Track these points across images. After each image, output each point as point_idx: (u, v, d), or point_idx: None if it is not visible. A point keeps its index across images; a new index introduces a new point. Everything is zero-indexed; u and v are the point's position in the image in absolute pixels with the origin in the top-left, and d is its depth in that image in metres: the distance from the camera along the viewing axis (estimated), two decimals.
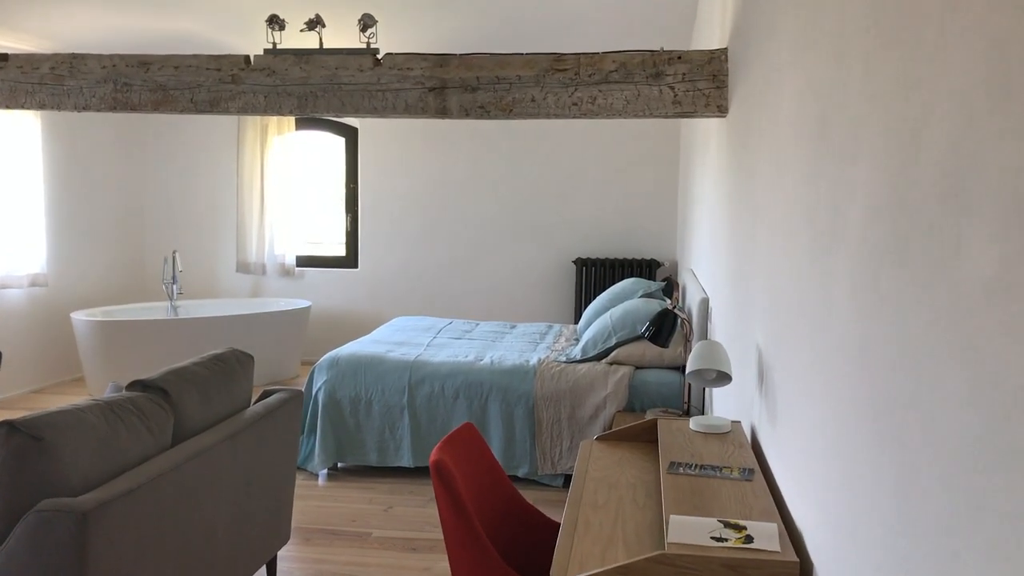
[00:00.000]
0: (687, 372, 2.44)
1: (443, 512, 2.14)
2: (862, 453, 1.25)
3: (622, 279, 7.02)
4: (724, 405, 3.17)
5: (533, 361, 4.60)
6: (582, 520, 1.97)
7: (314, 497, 4.21)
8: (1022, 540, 0.73)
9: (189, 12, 5.26)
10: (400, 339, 5.24)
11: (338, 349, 4.82)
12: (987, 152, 0.83)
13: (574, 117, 3.49)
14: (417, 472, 4.55)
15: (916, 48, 1.05)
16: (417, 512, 4.02)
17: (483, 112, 3.53)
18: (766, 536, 1.67)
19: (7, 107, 3.84)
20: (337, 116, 3.68)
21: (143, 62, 3.70)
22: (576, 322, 7.13)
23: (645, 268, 7.07)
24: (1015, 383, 0.75)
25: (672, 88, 3.42)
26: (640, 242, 7.27)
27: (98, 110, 3.75)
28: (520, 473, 4.38)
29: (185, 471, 2.43)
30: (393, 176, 7.57)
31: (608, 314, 4.75)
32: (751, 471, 2.08)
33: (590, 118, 3.50)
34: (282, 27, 3.75)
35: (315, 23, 3.75)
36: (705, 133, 4.62)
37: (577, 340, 5.35)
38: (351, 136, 7.68)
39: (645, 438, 2.64)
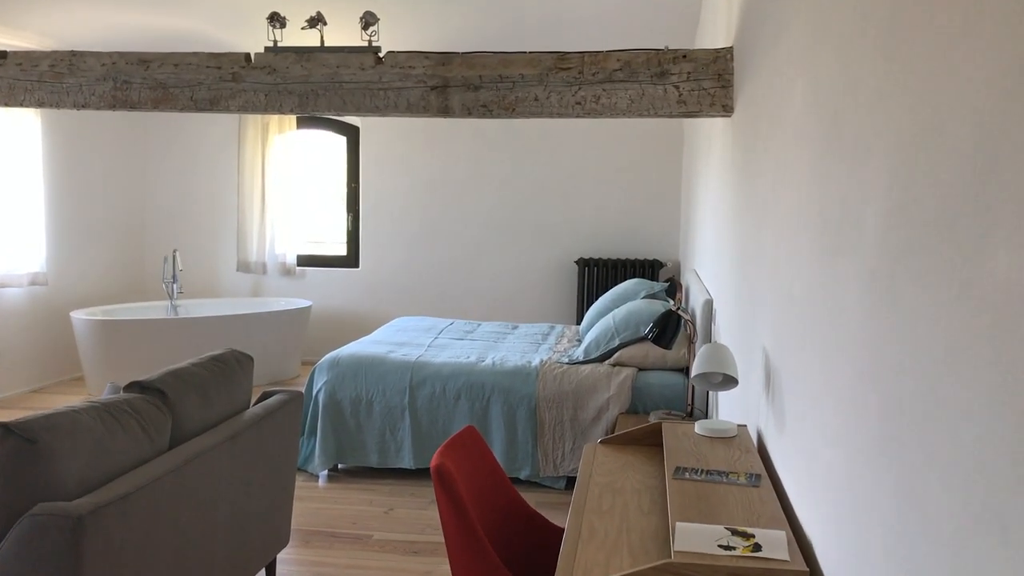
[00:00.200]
0: (692, 375, 2.41)
1: (444, 517, 2.11)
2: (873, 462, 1.22)
3: (624, 279, 6.99)
4: (729, 408, 3.14)
5: (535, 362, 4.57)
6: (586, 526, 1.93)
7: (314, 499, 4.17)
8: None
9: (189, 10, 5.23)
10: (401, 340, 5.21)
11: (339, 349, 4.78)
12: (1013, 151, 0.79)
13: (578, 116, 3.46)
14: (418, 474, 4.51)
15: (939, 43, 1.01)
16: (418, 514, 3.98)
17: (486, 111, 3.50)
18: (774, 544, 1.64)
19: (6, 105, 3.80)
20: (338, 115, 3.65)
21: (143, 60, 3.66)
22: (578, 323, 7.09)
23: (647, 268, 7.03)
24: None
25: (677, 87, 3.39)
26: (642, 242, 7.24)
27: (97, 108, 3.72)
28: (522, 475, 4.35)
29: (183, 474, 2.40)
30: (395, 175, 7.54)
31: (611, 315, 4.71)
32: (758, 477, 2.04)
33: (594, 117, 3.46)
34: (283, 25, 3.72)
35: (316, 21, 3.71)
36: (709, 133, 4.58)
37: (579, 341, 5.31)
38: (352, 135, 7.65)
39: (649, 442, 2.60)
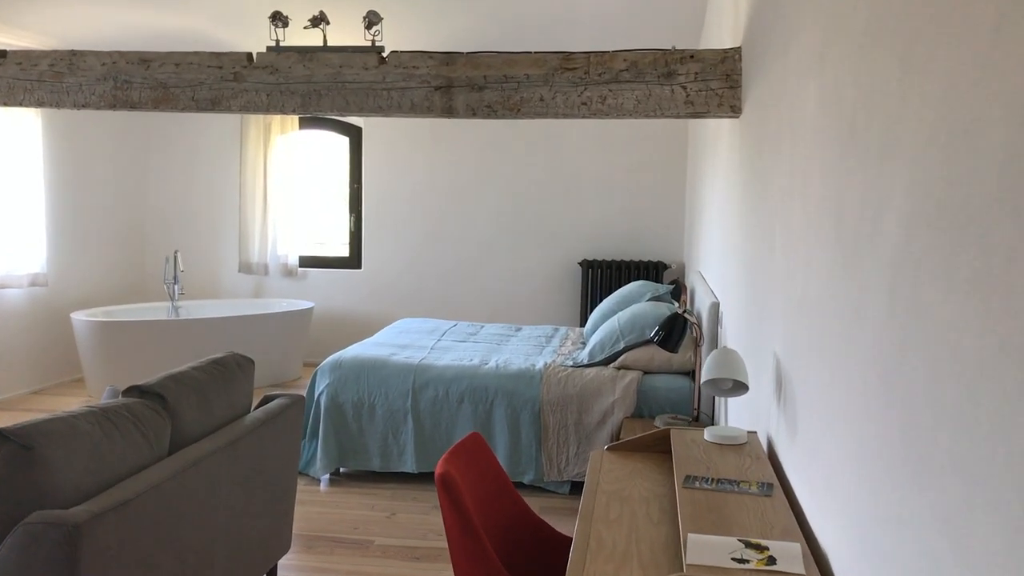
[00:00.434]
0: (702, 381, 2.36)
1: (449, 525, 2.06)
2: (895, 474, 1.17)
3: (628, 281, 6.94)
4: (737, 413, 3.09)
5: (539, 365, 4.52)
6: (594, 536, 1.89)
7: (316, 503, 4.13)
8: None
9: (191, 8, 5.19)
10: (404, 342, 5.16)
11: (341, 352, 4.74)
12: None
13: (583, 117, 3.41)
14: (420, 478, 4.47)
15: (968, 39, 0.97)
16: (420, 519, 3.94)
17: (490, 112, 3.45)
18: (789, 557, 1.59)
19: (5, 104, 3.77)
20: (341, 115, 3.61)
21: (143, 59, 3.62)
22: (582, 324, 7.05)
23: (652, 270, 6.98)
24: None
25: (684, 88, 3.34)
26: (646, 244, 7.19)
27: (97, 108, 3.68)
28: (526, 480, 4.30)
29: (183, 480, 2.35)
30: (397, 176, 7.50)
31: (616, 317, 4.67)
32: (770, 486, 1.99)
33: (600, 118, 3.42)
34: (285, 24, 3.68)
35: (319, 20, 3.67)
36: (715, 134, 4.54)
37: (584, 343, 5.27)
38: (355, 135, 7.61)
39: (657, 448, 2.56)
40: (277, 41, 3.61)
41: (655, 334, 3.86)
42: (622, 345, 4.45)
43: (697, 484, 2.01)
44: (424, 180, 7.45)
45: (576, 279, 7.28)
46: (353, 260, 7.68)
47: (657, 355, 4.37)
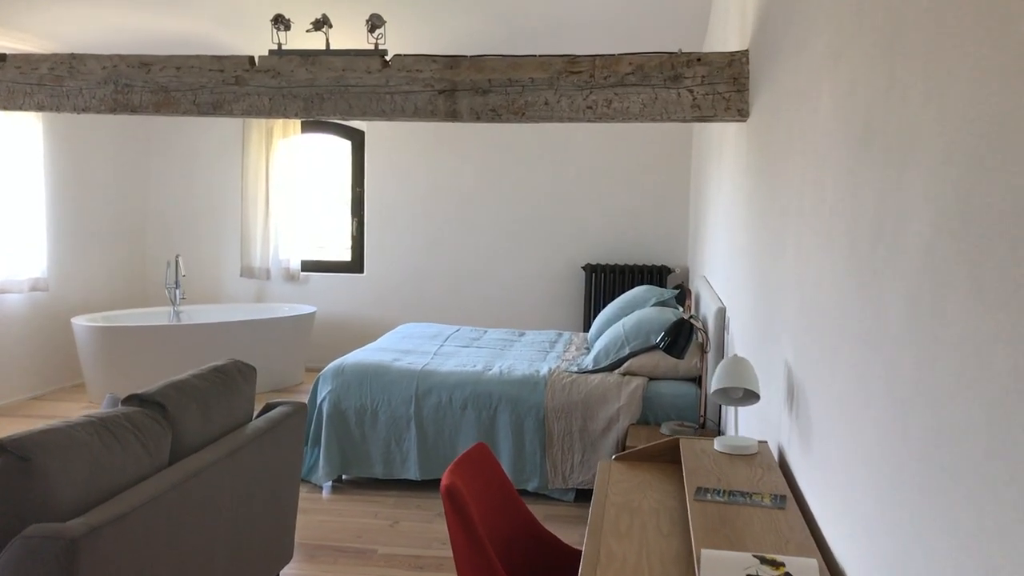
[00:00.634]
0: (712, 390, 2.32)
1: (454, 538, 2.02)
2: (917, 491, 1.13)
3: (632, 285, 6.90)
4: (746, 422, 3.05)
5: (543, 371, 4.48)
6: (604, 550, 1.84)
7: (318, 511, 4.08)
8: None
9: (192, 11, 5.16)
10: (407, 347, 5.12)
11: (343, 358, 4.70)
12: None
13: (589, 121, 3.37)
14: (424, 485, 4.42)
15: (998, 35, 0.93)
16: (424, 528, 3.89)
17: (494, 115, 3.41)
18: (806, 574, 1.55)
19: (5, 108, 3.73)
20: (344, 119, 3.57)
21: (144, 63, 3.59)
22: (585, 329, 7.00)
23: (655, 274, 6.94)
24: None
25: (691, 91, 3.30)
26: (650, 248, 7.15)
27: (98, 112, 3.64)
28: (530, 487, 4.26)
29: (183, 491, 2.31)
30: (400, 180, 7.46)
31: (621, 323, 4.62)
32: (783, 498, 1.95)
33: (605, 122, 3.38)
34: (288, 27, 3.64)
35: (322, 23, 3.64)
36: (720, 138, 4.50)
37: (588, 349, 5.22)
38: (358, 139, 7.58)
39: (666, 458, 2.51)
40: (279, 44, 3.58)
41: (661, 340, 3.82)
42: (627, 351, 4.41)
43: (708, 496, 1.96)
44: (427, 184, 7.41)
45: (579, 283, 7.24)
46: (355, 264, 7.65)
47: (663, 361, 4.33)
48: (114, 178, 7.32)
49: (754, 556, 1.62)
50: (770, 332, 2.54)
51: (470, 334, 5.75)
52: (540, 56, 3.37)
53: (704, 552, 1.64)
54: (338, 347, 7.56)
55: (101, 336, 6.01)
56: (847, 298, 1.59)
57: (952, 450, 1.03)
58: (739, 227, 3.44)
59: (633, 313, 4.74)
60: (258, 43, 5.81)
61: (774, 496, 1.97)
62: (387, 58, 3.48)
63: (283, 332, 6.67)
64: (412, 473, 4.35)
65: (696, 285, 5.52)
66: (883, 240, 1.36)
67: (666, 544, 1.89)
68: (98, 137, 7.09)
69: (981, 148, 0.97)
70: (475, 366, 4.60)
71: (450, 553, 3.60)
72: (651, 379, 4.36)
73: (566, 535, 3.74)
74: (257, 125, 7.46)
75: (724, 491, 2.00)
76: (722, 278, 4.12)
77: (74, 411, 5.94)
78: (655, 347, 4.30)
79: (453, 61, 3.40)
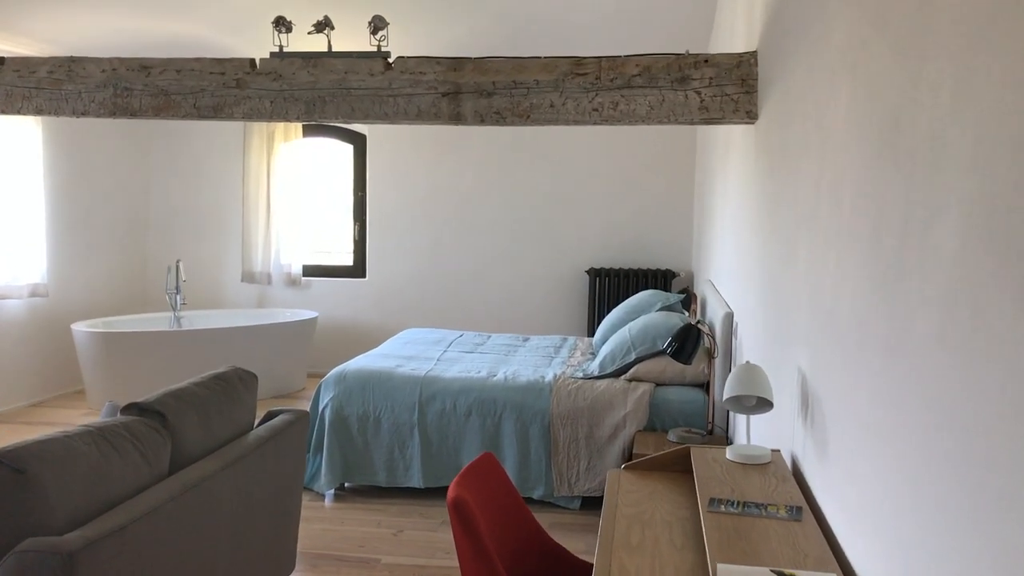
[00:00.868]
0: (724, 398, 2.26)
1: (461, 550, 1.97)
2: (945, 505, 1.08)
3: (636, 290, 6.85)
4: (757, 430, 2.99)
5: (549, 377, 4.42)
6: (616, 565, 1.79)
7: (320, 520, 4.03)
8: None
9: (192, 14, 5.12)
10: (410, 353, 5.07)
11: (345, 364, 4.64)
12: None
13: (595, 124, 3.33)
14: (427, 493, 4.37)
15: None
16: (428, 536, 3.84)
17: (499, 118, 3.37)
18: None
19: (3, 112, 3.68)
20: (346, 122, 3.52)
21: (144, 66, 3.54)
22: (589, 334, 6.95)
23: (660, 278, 6.89)
24: None
25: (698, 93, 3.25)
26: (654, 252, 7.09)
27: (97, 116, 3.59)
28: (535, 495, 4.20)
29: (183, 502, 2.26)
30: (402, 184, 7.41)
31: (626, 328, 4.57)
32: (799, 509, 1.89)
33: (612, 124, 3.33)
34: (289, 29, 3.60)
35: (323, 25, 3.59)
36: (726, 140, 4.45)
37: (593, 354, 5.17)
38: (359, 143, 7.53)
39: (676, 466, 2.46)
40: (280, 47, 3.53)
41: (668, 345, 3.77)
42: (633, 356, 4.35)
43: (722, 508, 1.91)
44: (429, 188, 7.37)
45: (583, 288, 7.18)
46: (357, 269, 7.60)
47: (669, 367, 4.27)
48: (114, 182, 7.28)
49: (772, 571, 1.57)
50: (781, 338, 2.49)
51: (474, 339, 5.70)
52: (545, 58, 3.32)
53: (720, 567, 1.59)
54: (340, 352, 7.50)
55: (101, 342, 5.96)
56: (869, 306, 1.53)
57: (985, 464, 0.98)
58: (747, 230, 3.39)
59: (639, 318, 4.69)
60: (259, 46, 5.77)
61: (789, 507, 1.91)
62: (390, 60, 3.43)
63: (285, 338, 6.62)
64: (416, 481, 4.30)
65: (701, 289, 5.47)
66: (910, 244, 1.30)
67: (680, 558, 1.84)
68: (98, 141, 7.05)
69: (1019, 144, 0.92)
70: (479, 372, 4.55)
71: (455, 563, 3.54)
72: (658, 385, 4.31)
73: (572, 544, 3.69)
74: (258, 129, 7.41)
75: (738, 502, 1.94)
76: (729, 282, 4.07)
77: (74, 418, 5.89)
78: (662, 352, 4.25)
79: (457, 63, 3.36)
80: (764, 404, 2.27)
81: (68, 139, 6.67)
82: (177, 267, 6.76)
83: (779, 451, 2.34)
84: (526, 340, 5.75)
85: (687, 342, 3.73)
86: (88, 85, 3.58)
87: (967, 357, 1.06)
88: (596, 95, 3.30)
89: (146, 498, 2.16)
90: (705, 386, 4.33)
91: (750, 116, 3.23)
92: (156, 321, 6.86)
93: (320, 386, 4.50)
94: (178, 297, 6.81)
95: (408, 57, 3.39)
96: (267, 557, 2.83)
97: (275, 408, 3.12)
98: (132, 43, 5.81)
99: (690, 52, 3.39)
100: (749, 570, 1.58)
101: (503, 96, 3.35)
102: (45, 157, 6.39)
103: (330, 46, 3.64)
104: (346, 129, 7.52)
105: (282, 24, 3.57)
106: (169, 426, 2.44)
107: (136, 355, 6.01)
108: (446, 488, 4.31)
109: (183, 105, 3.53)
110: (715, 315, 4.10)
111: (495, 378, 4.42)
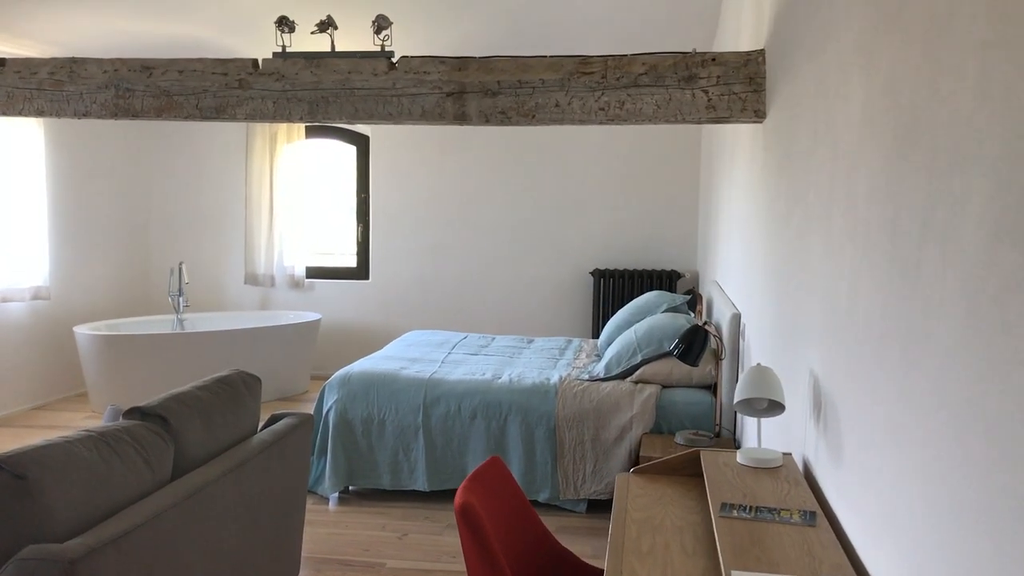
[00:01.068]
0: (736, 401, 2.23)
1: (468, 557, 1.93)
2: (968, 513, 1.04)
3: (641, 291, 6.81)
4: (766, 432, 2.95)
5: (554, 379, 4.39)
6: (627, 571, 1.75)
7: (325, 523, 4.00)
8: None
9: (194, 15, 5.09)
10: (414, 355, 5.03)
11: (349, 366, 4.61)
12: None
13: (601, 123, 3.29)
14: (432, 496, 4.33)
15: None
16: (433, 540, 3.80)
17: (504, 118, 3.33)
18: None
19: (4, 114, 3.66)
20: (350, 123, 3.49)
21: (146, 66, 3.52)
22: (594, 335, 6.91)
23: (665, 279, 6.85)
24: None
25: (706, 92, 3.22)
26: (659, 252, 7.06)
27: (99, 117, 3.57)
28: (541, 498, 4.16)
29: (186, 508, 2.23)
30: (405, 185, 7.38)
31: (632, 329, 4.53)
32: (813, 515, 1.86)
33: (618, 124, 3.30)
34: (292, 29, 3.57)
35: (327, 25, 3.56)
36: (732, 140, 4.41)
37: (598, 356, 5.13)
38: (362, 144, 7.50)
39: (685, 470, 2.42)
40: (283, 47, 3.50)
41: (675, 347, 3.73)
42: (639, 358, 4.32)
43: (734, 513, 1.87)
44: (433, 189, 7.34)
45: (588, 289, 7.15)
46: (361, 271, 7.57)
47: (676, 369, 4.23)
48: (116, 185, 7.25)
49: None
50: (792, 339, 2.45)
51: (478, 341, 5.66)
52: (550, 57, 3.29)
53: (735, 574, 1.55)
54: (344, 354, 7.47)
55: (104, 345, 5.93)
56: (888, 303, 1.50)
57: (1012, 470, 0.94)
58: (755, 230, 3.35)
59: (645, 319, 4.65)
60: (262, 46, 5.74)
61: (803, 512, 1.88)
62: (393, 60, 3.40)
63: (288, 340, 6.59)
64: (420, 484, 4.26)
65: (707, 290, 5.43)
66: (930, 244, 1.27)
67: (692, 565, 1.81)
68: (100, 143, 7.03)
69: None
70: (484, 374, 4.52)
71: (461, 566, 3.51)
72: (664, 387, 4.27)
73: (579, 548, 3.65)
74: (261, 130, 7.39)
75: (750, 507, 1.91)
76: (736, 283, 4.03)
77: (76, 421, 5.87)
78: (668, 354, 4.21)
79: (461, 62, 3.33)
80: (776, 407, 2.23)
81: (70, 141, 6.65)
82: (180, 269, 6.74)
83: (791, 454, 2.31)
84: (531, 342, 5.71)
85: (694, 343, 3.70)
86: (90, 86, 3.55)
87: (990, 358, 1.03)
88: (602, 94, 3.26)
89: (149, 504, 2.13)
90: (712, 388, 4.29)
91: (758, 115, 3.19)
92: (159, 324, 6.84)
93: (324, 389, 4.47)
94: (181, 299, 6.78)
95: (412, 57, 3.36)
96: (271, 561, 2.79)
97: (279, 412, 3.09)
98: (134, 44, 5.79)
99: (697, 51, 3.35)
100: None
101: (508, 96, 3.32)
102: (47, 159, 6.37)
103: (333, 46, 3.61)
104: (349, 130, 7.49)
105: (285, 24, 3.54)
106: (172, 430, 2.40)
107: (139, 358, 5.98)
108: (451, 491, 4.28)
109: (185, 106, 3.50)
110: (722, 316, 4.07)
111: (500, 380, 4.38)
